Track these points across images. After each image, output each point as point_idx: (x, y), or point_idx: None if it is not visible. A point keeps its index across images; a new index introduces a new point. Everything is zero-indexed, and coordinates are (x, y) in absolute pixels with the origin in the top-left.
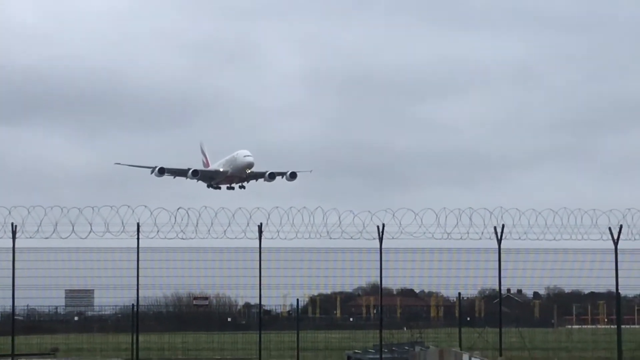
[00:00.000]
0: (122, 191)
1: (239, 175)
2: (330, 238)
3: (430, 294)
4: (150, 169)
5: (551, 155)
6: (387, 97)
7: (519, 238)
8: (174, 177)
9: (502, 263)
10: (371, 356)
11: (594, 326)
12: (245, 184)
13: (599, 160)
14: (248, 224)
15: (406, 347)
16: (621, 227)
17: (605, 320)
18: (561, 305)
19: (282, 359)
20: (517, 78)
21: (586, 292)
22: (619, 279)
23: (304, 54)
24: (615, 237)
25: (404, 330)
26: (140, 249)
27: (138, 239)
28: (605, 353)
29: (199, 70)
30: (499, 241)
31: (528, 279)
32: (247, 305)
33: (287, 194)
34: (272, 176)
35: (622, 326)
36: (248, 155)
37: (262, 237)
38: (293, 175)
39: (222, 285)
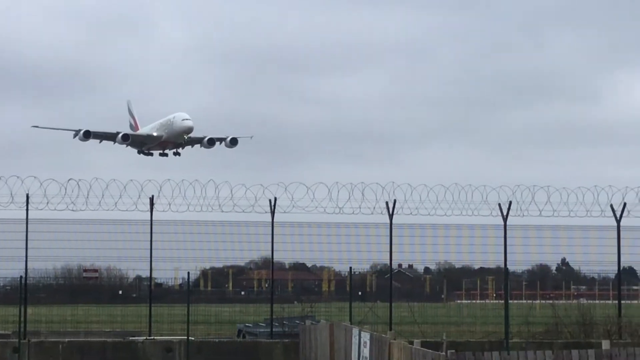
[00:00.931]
0: (13, 162)
1: (174, 141)
2: (222, 211)
3: (322, 268)
4: (74, 132)
5: (442, 132)
6: (280, 72)
7: (411, 213)
8: (100, 142)
9: (393, 238)
10: (262, 330)
11: (483, 301)
12: (180, 150)
13: (488, 136)
14: (140, 196)
15: (297, 321)
16: (510, 203)
17: (494, 295)
18: (451, 281)
19: (173, 332)
20: (409, 54)
21: (476, 267)
22: (507, 255)
23: (196, 26)
24: (505, 213)
25: (295, 304)
26: (29, 220)
27: (27, 210)
28: (494, 327)
29: (88, 40)
30: (391, 216)
31: (419, 254)
32: (139, 278)
33: (179, 166)
34: (211, 142)
35: (510, 301)
36: (186, 119)
37: (154, 209)
38: (234, 142)
39: (112, 258)
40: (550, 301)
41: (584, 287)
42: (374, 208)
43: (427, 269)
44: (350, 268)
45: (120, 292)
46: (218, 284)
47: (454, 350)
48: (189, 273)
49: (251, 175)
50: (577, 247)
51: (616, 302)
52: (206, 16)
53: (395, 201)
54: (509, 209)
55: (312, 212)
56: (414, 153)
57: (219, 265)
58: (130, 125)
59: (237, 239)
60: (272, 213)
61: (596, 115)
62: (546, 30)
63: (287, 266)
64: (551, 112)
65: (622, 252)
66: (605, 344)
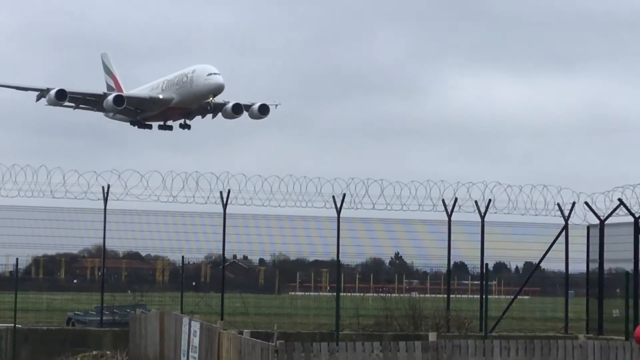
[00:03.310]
0: None
1: (187, 107)
2: (54, 197)
3: (156, 257)
4: (39, 92)
5: (276, 123)
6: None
7: (245, 203)
8: (75, 108)
9: (227, 228)
10: (91, 318)
11: (317, 293)
12: (189, 121)
13: (322, 129)
14: None
15: (128, 310)
16: (344, 195)
17: (327, 287)
18: (285, 272)
19: (2, 319)
20: (236, 44)
21: (310, 260)
22: (341, 247)
23: (17, 10)
24: (339, 206)
25: (129, 294)
26: None
27: None
28: (326, 319)
29: None
30: (224, 206)
31: (254, 245)
32: None
33: (8, 151)
34: (237, 109)
35: (343, 294)
36: (214, 73)
37: None
38: (264, 110)
39: None
40: (383, 294)
41: (416, 281)
42: (208, 198)
43: (261, 260)
44: (183, 257)
45: None
46: (50, 272)
47: (283, 341)
48: (17, 259)
49: (83, 161)
50: (410, 241)
51: (446, 295)
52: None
53: (229, 191)
54: (342, 201)
55: (146, 200)
56: (248, 144)
57: (52, 252)
58: (109, 88)
59: (70, 225)
60: (105, 200)
61: (428, 112)
62: (377, 25)
63: (121, 255)
64: (385, 107)
65: (453, 246)
66: (432, 336)
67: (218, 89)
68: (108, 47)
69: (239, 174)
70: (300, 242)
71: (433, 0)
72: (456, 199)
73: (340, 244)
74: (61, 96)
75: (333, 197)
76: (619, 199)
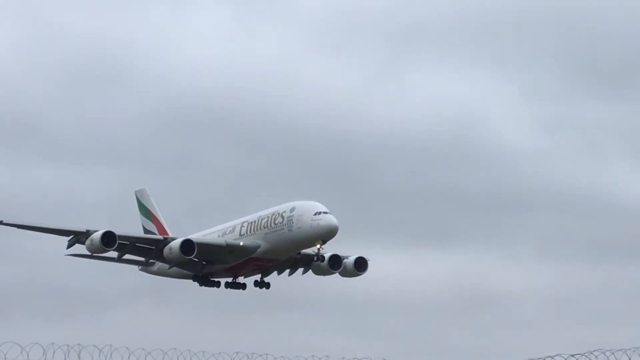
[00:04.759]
0: None
1: (276, 258)
2: None
3: None
4: (72, 236)
5: None
6: None
7: None
8: (117, 261)
9: None
10: None
11: None
12: (266, 278)
13: None
14: None
15: None
16: None
17: None
18: None
19: None
20: None
21: None
22: None
23: None
24: None
25: None
26: None
27: None
28: None
29: None
30: None
31: None
32: None
33: None
34: (336, 263)
35: None
36: (323, 212)
37: None
38: (360, 265)
39: None
40: None
41: None
42: None
43: None
44: None
45: None
46: None
47: None
48: None
49: None
50: None
51: None
52: None
53: None
54: None
55: None
56: None
57: None
58: (147, 233)
59: None
60: None
61: None
62: None
63: None
64: None
65: None
66: None
67: (330, 233)
68: None
69: None
70: None
71: None
72: None
73: None
74: (108, 241)
75: None
76: None
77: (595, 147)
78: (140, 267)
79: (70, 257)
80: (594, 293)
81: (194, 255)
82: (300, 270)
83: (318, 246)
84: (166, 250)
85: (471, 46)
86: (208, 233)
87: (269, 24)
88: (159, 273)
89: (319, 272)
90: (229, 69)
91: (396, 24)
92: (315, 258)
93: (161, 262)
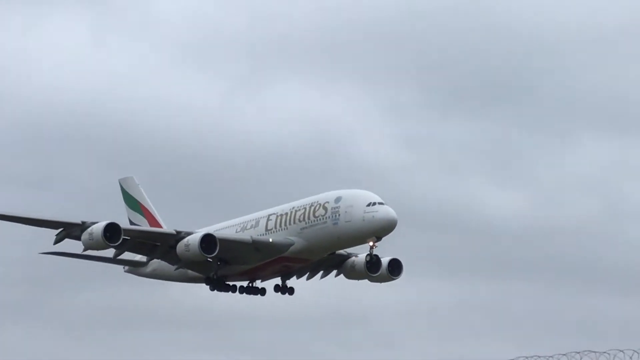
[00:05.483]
0: None
1: (309, 258)
2: None
3: None
4: (62, 230)
5: None
6: None
7: None
8: (114, 260)
9: None
10: None
11: None
12: (288, 282)
13: None
14: None
15: None
16: None
17: None
18: None
19: None
20: None
21: None
22: None
23: None
24: None
25: None
26: None
27: None
28: None
29: None
30: None
31: None
32: None
33: None
34: (373, 265)
35: None
36: (378, 203)
37: None
38: (394, 268)
39: None
40: None
41: None
42: None
43: None
44: None
45: None
46: None
47: None
48: None
49: None
50: None
51: None
52: None
53: None
54: None
55: None
56: None
57: None
58: (133, 225)
59: None
60: None
61: None
62: None
63: None
64: None
65: None
66: None
67: (388, 228)
68: None
69: None
70: None
71: None
72: None
73: None
74: (112, 234)
75: None
76: None
77: (453, 163)
78: (126, 268)
79: (44, 255)
80: (450, 307)
81: (215, 253)
82: (334, 272)
83: (371, 243)
84: (180, 246)
85: (332, 62)
86: (221, 228)
87: (126, 38)
88: (153, 275)
89: (353, 275)
90: (88, 84)
91: (258, 39)
92: (367, 258)
93: (167, 261)
